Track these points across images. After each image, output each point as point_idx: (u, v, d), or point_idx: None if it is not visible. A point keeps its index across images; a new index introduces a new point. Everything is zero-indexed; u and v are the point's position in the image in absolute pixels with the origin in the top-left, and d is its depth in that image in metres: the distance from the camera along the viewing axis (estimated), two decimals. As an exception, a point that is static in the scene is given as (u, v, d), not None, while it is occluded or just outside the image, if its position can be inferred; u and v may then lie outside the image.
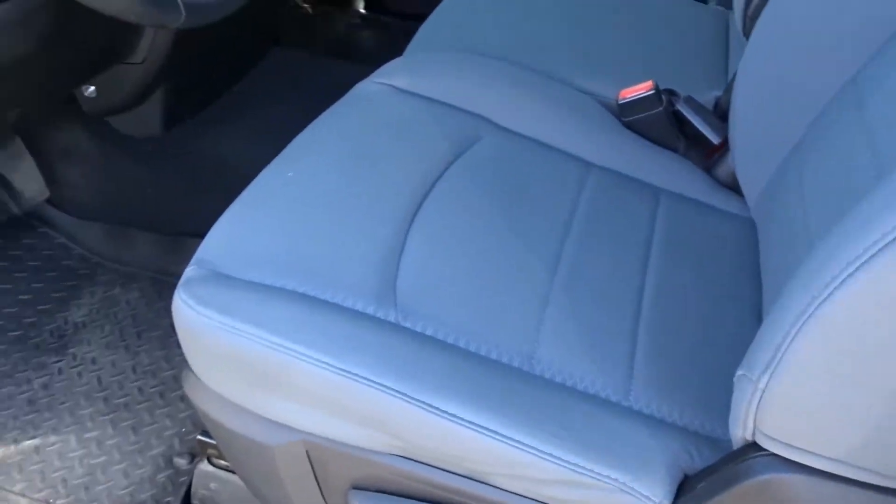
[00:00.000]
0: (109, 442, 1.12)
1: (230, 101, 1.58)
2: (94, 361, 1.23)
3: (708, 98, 1.10)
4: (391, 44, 2.25)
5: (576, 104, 1.09)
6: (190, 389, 0.79)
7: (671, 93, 1.05)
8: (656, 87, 1.02)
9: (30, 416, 1.14)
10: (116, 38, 1.09)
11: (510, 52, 1.16)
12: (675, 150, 1.05)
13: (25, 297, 1.32)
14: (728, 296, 0.85)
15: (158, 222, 1.44)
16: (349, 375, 0.67)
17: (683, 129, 1.05)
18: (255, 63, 1.69)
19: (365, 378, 0.67)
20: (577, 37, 1.23)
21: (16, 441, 1.10)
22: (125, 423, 1.14)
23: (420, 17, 2.30)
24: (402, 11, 2.36)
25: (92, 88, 1.28)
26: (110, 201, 1.47)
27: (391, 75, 1.07)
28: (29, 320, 1.28)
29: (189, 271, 0.75)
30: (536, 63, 1.14)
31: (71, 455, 1.10)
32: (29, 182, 1.40)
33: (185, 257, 1.42)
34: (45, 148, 1.42)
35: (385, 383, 0.66)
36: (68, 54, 1.00)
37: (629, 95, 1.04)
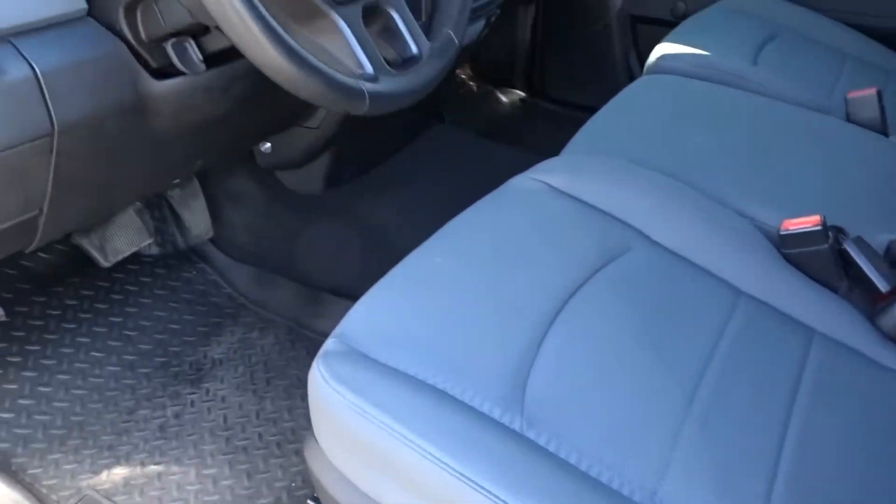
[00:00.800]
0: (224, 482, 1.16)
1: (389, 169, 1.66)
2: (223, 400, 1.29)
3: (880, 240, 1.03)
4: (551, 131, 2.30)
5: (732, 227, 1.05)
6: (310, 455, 0.81)
7: (839, 230, 1.00)
8: (824, 223, 0.98)
9: (158, 442, 1.21)
10: (300, 106, 1.17)
11: (670, 162, 1.15)
12: (835, 291, 0.99)
13: (175, 326, 1.41)
14: (884, 464, 0.78)
15: (303, 274, 1.51)
16: (465, 479, 0.66)
17: (848, 271, 0.99)
18: (417, 136, 1.76)
19: (480, 486, 0.66)
20: (740, 155, 1.20)
21: (142, 464, 1.17)
22: (241, 467, 1.18)
23: (581, 108, 2.34)
24: (563, 100, 2.41)
25: (268, 145, 1.39)
26: (264, 247, 1.56)
27: (548, 173, 1.09)
28: (174, 349, 1.37)
29: (330, 344, 0.77)
30: (696, 178, 1.13)
31: (188, 488, 1.15)
32: (198, 220, 1.51)
33: (320, 311, 1.49)
34: (217, 191, 1.54)
35: (499, 495, 0.65)
36: (257, 117, 1.09)
37: (793, 227, 1.00)
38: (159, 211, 1.51)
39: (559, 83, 2.39)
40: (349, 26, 0.79)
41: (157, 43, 0.88)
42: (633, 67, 2.26)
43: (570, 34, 2.32)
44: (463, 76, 2.46)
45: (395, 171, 1.66)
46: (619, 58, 2.28)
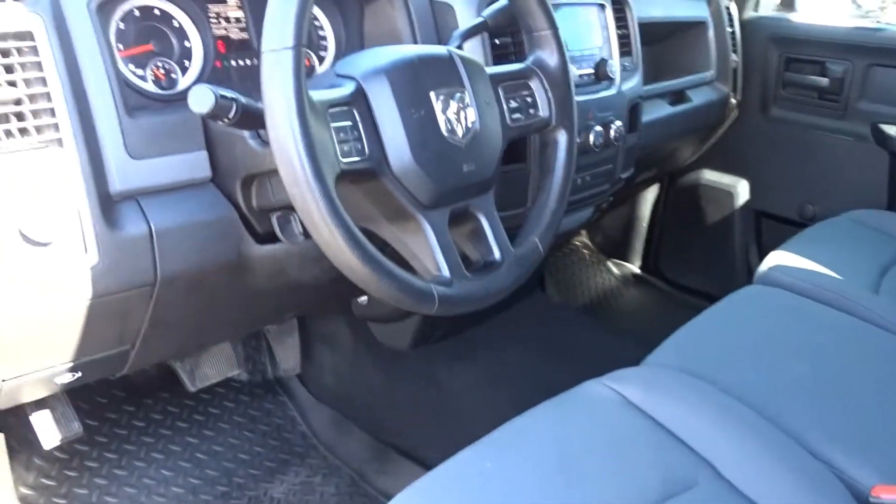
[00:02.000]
0: None
1: (478, 335, 1.67)
2: (272, 543, 1.29)
3: None
4: (659, 311, 2.26)
5: (813, 478, 0.97)
6: None
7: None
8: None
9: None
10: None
11: (757, 390, 1.09)
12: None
13: (245, 456, 1.45)
14: None
15: (377, 426, 1.52)
16: None
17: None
18: (514, 304, 1.77)
19: None
20: (838, 394, 1.12)
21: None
22: None
23: (694, 292, 2.29)
24: (677, 282, 2.37)
25: (364, 298, 1.44)
26: (345, 393, 1.59)
27: (624, 383, 1.06)
28: (238, 480, 1.40)
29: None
30: (782, 413, 1.06)
31: None
32: (288, 356, 1.57)
33: (385, 469, 1.48)
34: (312, 330, 1.60)
35: None
36: (348, 283, 1.14)
37: (886, 497, 0.91)
38: (256, 340, 1.59)
39: (675, 265, 2.37)
40: (433, 230, 0.83)
41: (265, 213, 0.96)
42: (752, 261, 2.20)
43: (693, 218, 2.31)
44: (577, 243, 2.48)
45: (484, 337, 1.67)
46: (738, 250, 2.24)
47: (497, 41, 1.21)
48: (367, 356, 1.58)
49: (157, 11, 1.01)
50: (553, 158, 0.99)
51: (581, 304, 2.09)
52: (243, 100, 0.76)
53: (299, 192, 0.71)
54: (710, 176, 2.25)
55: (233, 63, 1.08)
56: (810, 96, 2.00)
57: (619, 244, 2.46)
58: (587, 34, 1.39)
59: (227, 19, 1.08)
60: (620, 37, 1.49)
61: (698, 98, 1.92)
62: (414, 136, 0.80)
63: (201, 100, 0.73)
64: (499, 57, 1.21)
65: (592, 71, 1.38)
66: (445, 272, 0.83)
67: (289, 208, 0.95)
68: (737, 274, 2.23)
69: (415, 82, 0.82)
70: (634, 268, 2.44)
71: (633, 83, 1.52)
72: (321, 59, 1.19)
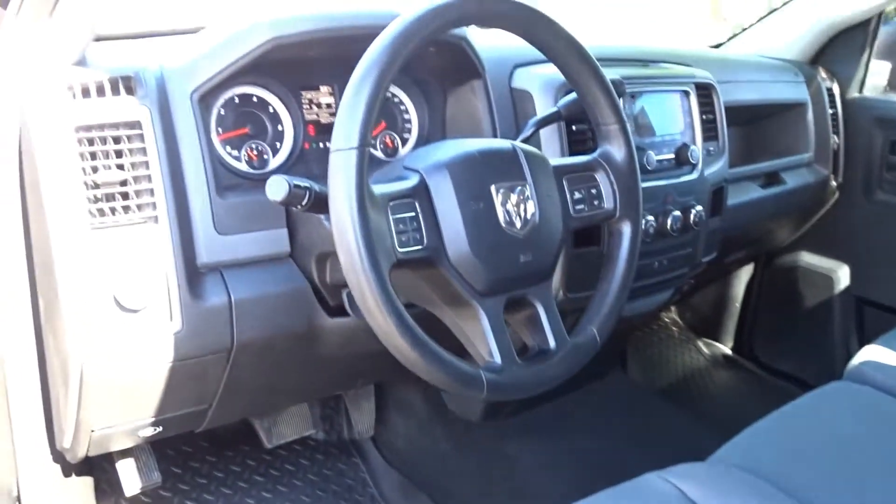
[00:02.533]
0: None
1: (550, 411, 1.66)
2: None
3: None
4: (747, 395, 2.17)
5: None
6: None
7: None
8: None
9: None
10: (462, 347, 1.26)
11: (821, 497, 1.03)
12: None
13: (314, 518, 1.49)
14: None
15: (444, 497, 1.53)
16: None
17: None
18: (591, 381, 1.76)
19: None
20: None
21: None
22: None
23: (789, 377, 2.19)
24: (771, 366, 2.27)
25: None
26: (416, 459, 1.61)
27: (687, 479, 1.04)
28: (306, 540, 1.44)
29: None
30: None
31: None
32: (363, 419, 1.62)
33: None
34: (386, 396, 1.64)
35: None
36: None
37: None
38: (334, 401, 1.64)
39: (770, 347, 2.28)
40: (488, 317, 0.86)
41: (337, 288, 1.02)
42: (851, 350, 2.09)
43: (790, 301, 2.22)
44: (665, 320, 2.43)
45: (556, 414, 1.66)
46: (838, 338, 2.14)
47: (574, 128, 1.25)
48: (438, 424, 1.61)
49: (255, 98, 1.11)
50: (617, 248, 1.00)
51: (663, 386, 2.04)
52: (317, 187, 0.82)
53: (356, 278, 0.76)
54: (808, 258, 2.17)
55: (320, 145, 1.16)
56: (917, 181, 1.92)
57: (711, 323, 2.39)
58: (669, 120, 1.40)
59: (319, 105, 1.17)
60: (706, 122, 1.49)
61: (794, 180, 1.88)
62: (472, 228, 0.84)
63: (276, 189, 0.80)
64: (576, 143, 1.25)
65: (673, 156, 1.39)
66: (497, 359, 0.86)
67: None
68: (835, 362, 2.12)
69: (475, 176, 0.86)
70: (726, 349, 2.36)
71: (718, 167, 1.51)
72: (405, 141, 1.26)
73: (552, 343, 0.92)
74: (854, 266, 2.09)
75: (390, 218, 0.79)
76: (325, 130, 1.18)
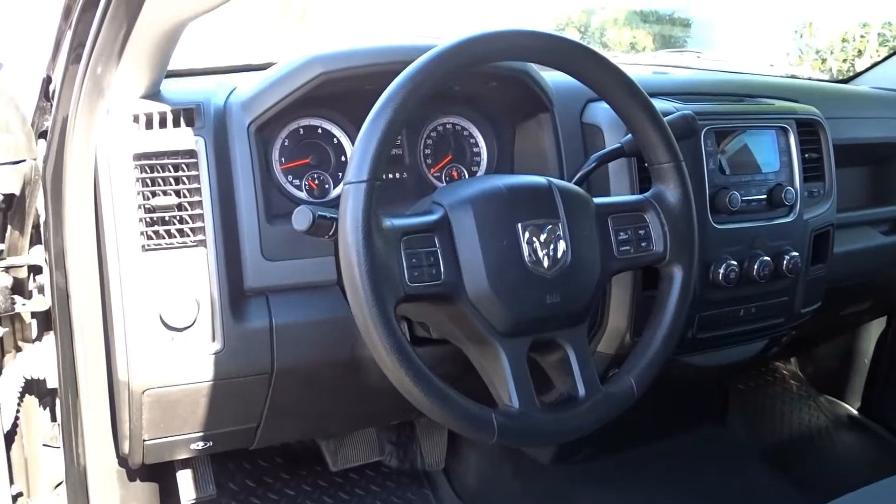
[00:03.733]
0: None
1: (630, 460, 1.58)
2: None
3: None
4: (861, 463, 1.95)
5: None
6: None
7: None
8: None
9: None
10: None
11: None
12: None
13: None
14: None
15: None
16: None
17: None
18: (679, 432, 1.66)
19: None
20: None
21: None
22: None
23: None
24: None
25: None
26: (484, 496, 1.58)
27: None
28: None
29: None
30: None
31: None
32: (434, 449, 1.61)
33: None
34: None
35: None
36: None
37: None
38: (410, 429, 1.65)
39: (902, 411, 2.04)
40: (509, 358, 0.83)
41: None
42: None
43: (927, 360, 1.99)
44: (784, 372, 2.25)
45: (637, 464, 1.57)
46: (982, 406, 1.88)
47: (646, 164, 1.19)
48: (509, 463, 1.57)
49: (319, 130, 1.14)
50: (666, 294, 0.94)
51: (769, 445, 1.87)
52: None
53: (360, 312, 0.76)
54: (951, 315, 1.94)
55: (388, 176, 1.18)
56: None
57: (836, 379, 2.18)
58: (763, 158, 1.30)
59: (384, 136, 1.19)
60: (809, 160, 1.38)
61: (926, 228, 1.69)
62: (492, 265, 0.82)
63: (301, 219, 0.81)
64: (647, 180, 1.19)
65: (765, 197, 1.29)
66: (515, 402, 0.83)
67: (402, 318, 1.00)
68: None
69: (500, 212, 0.84)
70: (852, 409, 2.15)
71: (823, 210, 1.38)
72: (474, 174, 1.25)
73: (581, 390, 0.87)
74: None
75: (402, 252, 0.79)
76: (390, 161, 1.20)
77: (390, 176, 1.19)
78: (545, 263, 0.85)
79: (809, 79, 1.88)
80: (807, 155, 1.37)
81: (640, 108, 0.92)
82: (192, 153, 0.97)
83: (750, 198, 1.28)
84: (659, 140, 0.93)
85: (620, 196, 0.96)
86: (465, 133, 1.25)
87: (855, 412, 2.13)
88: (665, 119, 1.10)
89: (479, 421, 0.79)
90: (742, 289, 1.27)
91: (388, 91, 0.79)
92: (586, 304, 0.88)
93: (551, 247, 0.85)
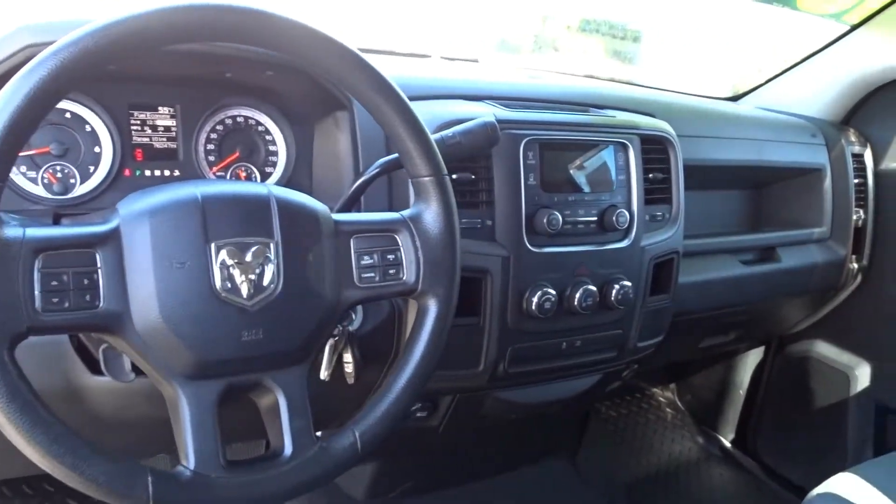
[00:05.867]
0: None
1: (465, 498, 1.44)
2: None
3: None
4: (726, 499, 1.86)
5: None
6: None
7: None
8: None
9: None
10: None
11: None
12: None
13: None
14: None
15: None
16: None
17: None
18: (519, 466, 1.52)
19: None
20: None
21: None
22: None
23: (788, 484, 1.86)
24: (771, 468, 1.95)
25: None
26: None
27: None
28: None
29: None
30: None
31: None
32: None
33: None
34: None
35: None
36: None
37: None
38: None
39: (774, 447, 1.96)
40: (190, 406, 0.67)
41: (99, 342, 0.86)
42: (866, 459, 1.75)
43: (800, 396, 1.90)
44: (661, 399, 2.15)
45: (470, 500, 1.44)
46: (851, 445, 1.80)
47: (455, 176, 1.05)
48: (322, 496, 1.42)
49: (67, 114, 0.98)
50: (415, 334, 0.79)
51: (631, 477, 1.76)
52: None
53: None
54: (824, 350, 1.85)
55: (147, 172, 1.02)
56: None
57: (711, 409, 2.09)
58: (594, 176, 1.17)
59: (154, 127, 1.03)
60: (655, 181, 1.26)
61: (795, 258, 1.59)
62: (168, 292, 0.66)
63: None
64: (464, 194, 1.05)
65: (595, 219, 1.16)
66: (190, 462, 0.67)
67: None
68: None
69: (188, 227, 0.68)
70: (725, 441, 2.06)
71: (666, 236, 1.26)
72: (266, 176, 1.10)
73: (288, 447, 0.72)
74: (876, 366, 1.76)
75: (34, 271, 0.63)
76: (158, 156, 1.04)
77: (157, 173, 1.03)
78: (244, 292, 0.69)
79: (692, 94, 1.75)
80: (651, 175, 1.25)
81: (394, 111, 0.77)
82: None
83: (576, 219, 1.14)
84: (416, 149, 0.79)
85: (370, 214, 0.81)
86: (261, 128, 1.10)
87: (728, 444, 2.04)
88: (463, 126, 0.96)
89: (124, 485, 0.63)
90: (563, 320, 1.14)
91: (19, 76, 0.62)
92: (303, 343, 0.73)
93: (256, 272, 0.70)
